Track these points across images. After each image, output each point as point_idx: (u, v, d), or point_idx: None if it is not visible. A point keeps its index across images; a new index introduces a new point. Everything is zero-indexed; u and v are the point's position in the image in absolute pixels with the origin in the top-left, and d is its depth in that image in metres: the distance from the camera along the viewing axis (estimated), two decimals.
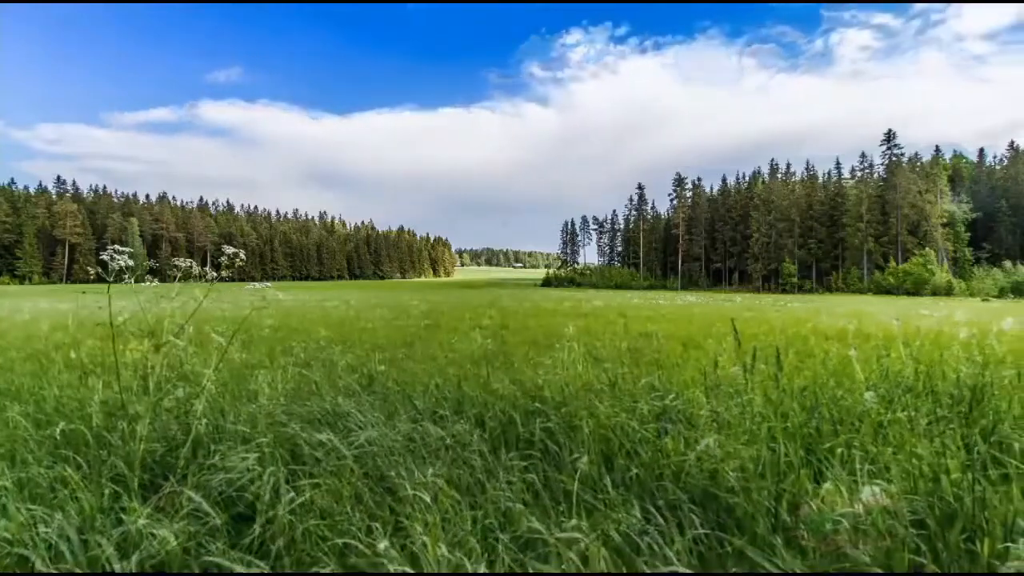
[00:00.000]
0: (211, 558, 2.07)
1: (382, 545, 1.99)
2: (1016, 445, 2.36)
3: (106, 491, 2.44)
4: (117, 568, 2.03)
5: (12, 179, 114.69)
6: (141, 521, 2.18)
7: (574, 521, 1.94)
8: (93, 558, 2.05)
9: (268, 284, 3.56)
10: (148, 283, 3.26)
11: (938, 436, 2.36)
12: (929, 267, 63.45)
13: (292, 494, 2.37)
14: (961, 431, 2.48)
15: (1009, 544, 1.74)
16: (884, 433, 2.55)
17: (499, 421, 3.02)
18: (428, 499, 2.21)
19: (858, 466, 2.16)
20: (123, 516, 2.23)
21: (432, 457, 2.65)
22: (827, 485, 1.99)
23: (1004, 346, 4.55)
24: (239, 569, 2.01)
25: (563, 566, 1.77)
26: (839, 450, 2.32)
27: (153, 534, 2.14)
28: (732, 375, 3.29)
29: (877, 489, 1.94)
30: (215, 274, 3.29)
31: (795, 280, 78.14)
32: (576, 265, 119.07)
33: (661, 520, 1.92)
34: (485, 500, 2.21)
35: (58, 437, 2.96)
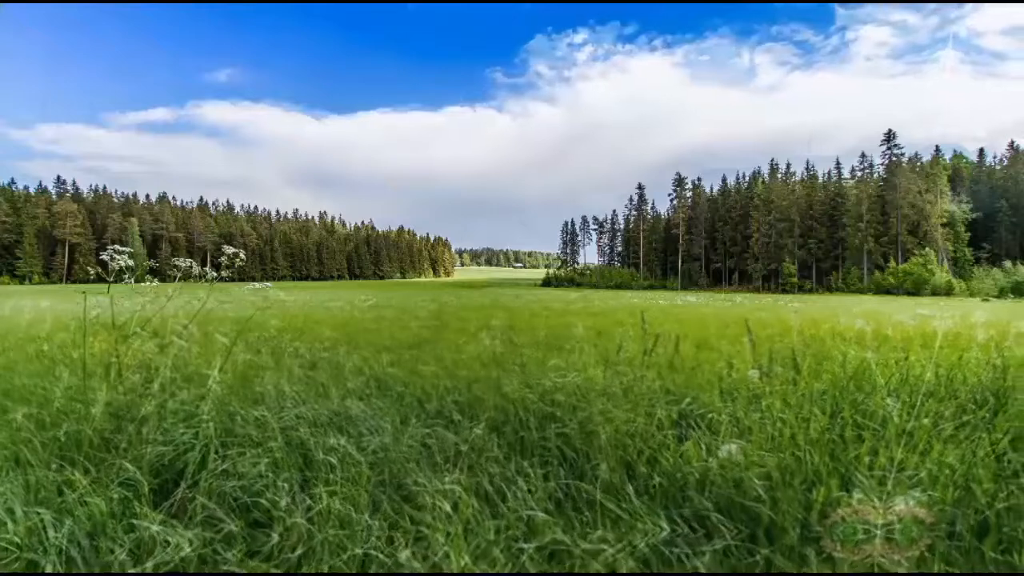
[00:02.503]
0: (230, 568, 2.04)
1: (404, 555, 1.95)
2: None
3: (115, 496, 2.40)
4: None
5: (12, 179, 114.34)
6: (154, 527, 2.14)
7: (600, 532, 1.90)
8: (106, 564, 2.04)
9: (269, 284, 3.53)
10: (148, 283, 3.24)
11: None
12: (929, 267, 63.48)
13: (308, 501, 2.34)
14: (988, 437, 2.45)
15: (843, 493, 1.82)
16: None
17: (512, 426, 2.99)
18: (448, 508, 2.17)
19: (885, 473, 2.12)
20: (134, 521, 2.20)
21: (448, 464, 2.61)
22: (857, 494, 1.96)
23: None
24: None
25: None
26: (866, 458, 2.29)
27: (167, 540, 2.11)
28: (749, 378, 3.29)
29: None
30: (215, 274, 3.27)
31: (795, 280, 78.17)
32: (576, 265, 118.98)
33: (688, 530, 1.88)
34: (507, 509, 2.18)
35: (62, 439, 2.92)
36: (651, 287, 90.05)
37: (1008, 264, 61.29)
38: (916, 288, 61.77)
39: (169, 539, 2.10)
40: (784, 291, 75.30)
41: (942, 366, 3.74)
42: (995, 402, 2.77)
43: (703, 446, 2.47)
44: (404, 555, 1.91)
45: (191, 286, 3.39)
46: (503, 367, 4.06)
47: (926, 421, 2.46)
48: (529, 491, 2.25)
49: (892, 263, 70.28)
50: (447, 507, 2.14)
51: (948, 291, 59.64)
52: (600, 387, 3.41)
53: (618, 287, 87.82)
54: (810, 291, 74.31)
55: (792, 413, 2.59)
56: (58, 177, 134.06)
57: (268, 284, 3.57)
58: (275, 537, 2.15)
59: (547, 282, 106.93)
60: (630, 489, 2.13)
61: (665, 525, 1.92)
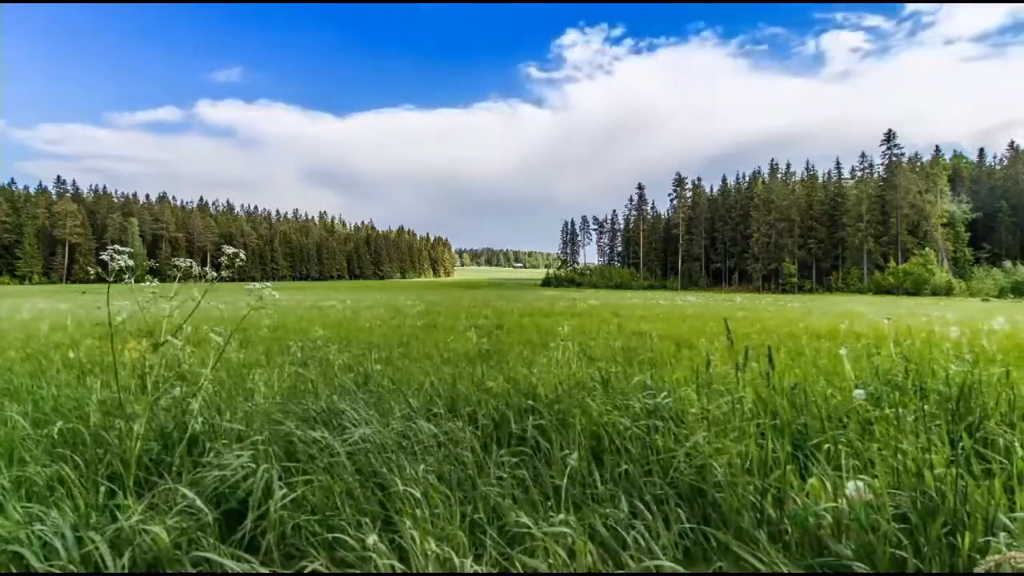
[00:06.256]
0: (201, 553, 2.09)
1: (371, 539, 2.00)
2: (1001, 441, 2.37)
3: (102, 489, 2.44)
4: (110, 565, 2.02)
5: (12, 179, 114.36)
6: (135, 518, 2.18)
7: (562, 516, 1.95)
8: (86, 555, 2.06)
9: (268, 284, 3.55)
10: (148, 283, 3.25)
11: (924, 432, 2.36)
12: (929, 267, 63.42)
13: (284, 490, 2.39)
14: (947, 427, 2.49)
15: (989, 538, 1.76)
16: (871, 430, 2.55)
17: (491, 419, 3.04)
18: (418, 494, 2.23)
19: (844, 461, 2.17)
20: (117, 514, 2.23)
21: (424, 454, 2.67)
22: (812, 480, 2.00)
23: (994, 344, 4.53)
24: (228, 563, 2.01)
25: (550, 560, 1.78)
26: (826, 446, 2.33)
27: (146, 531, 2.15)
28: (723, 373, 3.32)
29: (861, 484, 1.95)
30: (215, 274, 3.28)
31: (795, 280, 78.13)
32: (576, 265, 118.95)
33: (648, 515, 1.93)
34: (475, 496, 2.23)
35: (56, 436, 2.97)
36: (651, 287, 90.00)
37: (1008, 264, 61.22)
38: (916, 288, 61.71)
39: (147, 529, 2.11)
40: (784, 291, 75.25)
41: (912, 361, 3.52)
42: (959, 395, 2.80)
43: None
44: (371, 539, 1.96)
45: (203, 288, 3.32)
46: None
47: (889, 412, 2.49)
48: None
49: (892, 263, 70.25)
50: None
51: (948, 291, 59.59)
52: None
53: (618, 287, 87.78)
54: (810, 291, 74.26)
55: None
56: (58, 177, 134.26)
57: (267, 284, 3.58)
58: (248, 525, 2.21)
59: (547, 282, 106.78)
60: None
61: (626, 509, 1.88)
